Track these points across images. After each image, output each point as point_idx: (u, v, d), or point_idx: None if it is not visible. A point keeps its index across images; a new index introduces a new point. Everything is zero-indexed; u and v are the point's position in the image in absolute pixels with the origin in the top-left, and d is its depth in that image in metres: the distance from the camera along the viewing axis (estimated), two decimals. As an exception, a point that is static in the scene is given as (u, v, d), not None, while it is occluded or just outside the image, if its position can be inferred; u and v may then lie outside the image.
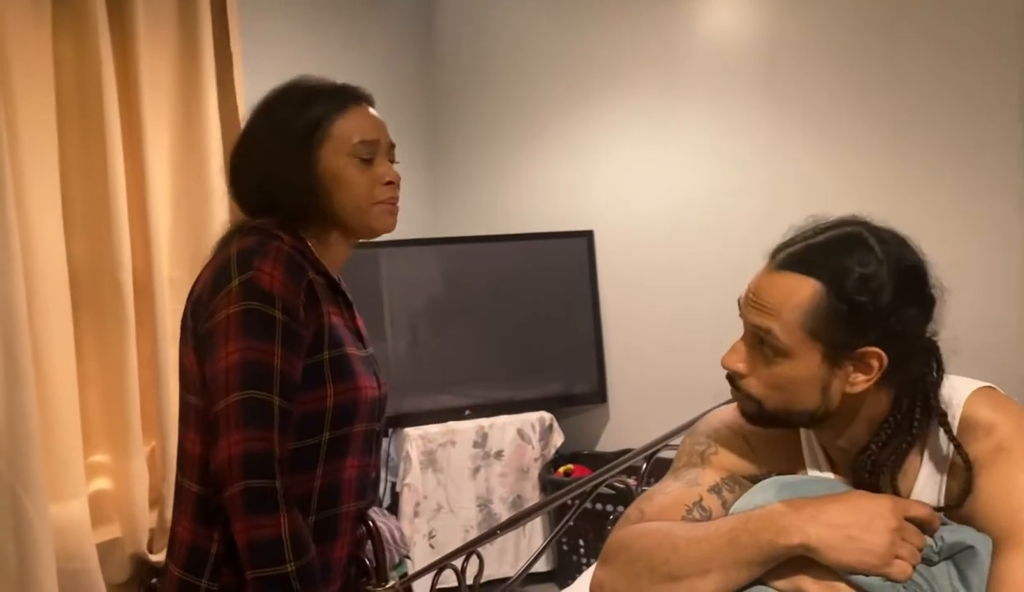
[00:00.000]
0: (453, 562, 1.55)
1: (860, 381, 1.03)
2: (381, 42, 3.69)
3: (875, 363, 1.01)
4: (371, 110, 1.38)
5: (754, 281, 1.07)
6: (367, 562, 1.33)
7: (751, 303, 1.06)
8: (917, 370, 1.04)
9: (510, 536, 3.26)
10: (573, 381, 3.56)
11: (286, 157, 1.29)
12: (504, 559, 3.21)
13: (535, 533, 3.26)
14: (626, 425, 3.54)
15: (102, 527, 2.37)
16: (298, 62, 3.25)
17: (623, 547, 1.07)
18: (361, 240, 1.41)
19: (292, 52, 3.20)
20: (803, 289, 1.01)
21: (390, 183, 1.35)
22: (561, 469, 3.39)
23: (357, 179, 1.32)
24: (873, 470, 1.05)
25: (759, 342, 1.05)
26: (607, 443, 3.60)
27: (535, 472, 3.32)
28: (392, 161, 1.38)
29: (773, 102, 3.14)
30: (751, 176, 3.20)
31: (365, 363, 1.35)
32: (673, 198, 3.38)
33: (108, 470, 2.42)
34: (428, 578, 1.54)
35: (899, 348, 1.01)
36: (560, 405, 3.53)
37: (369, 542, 1.35)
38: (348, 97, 1.35)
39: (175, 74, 2.58)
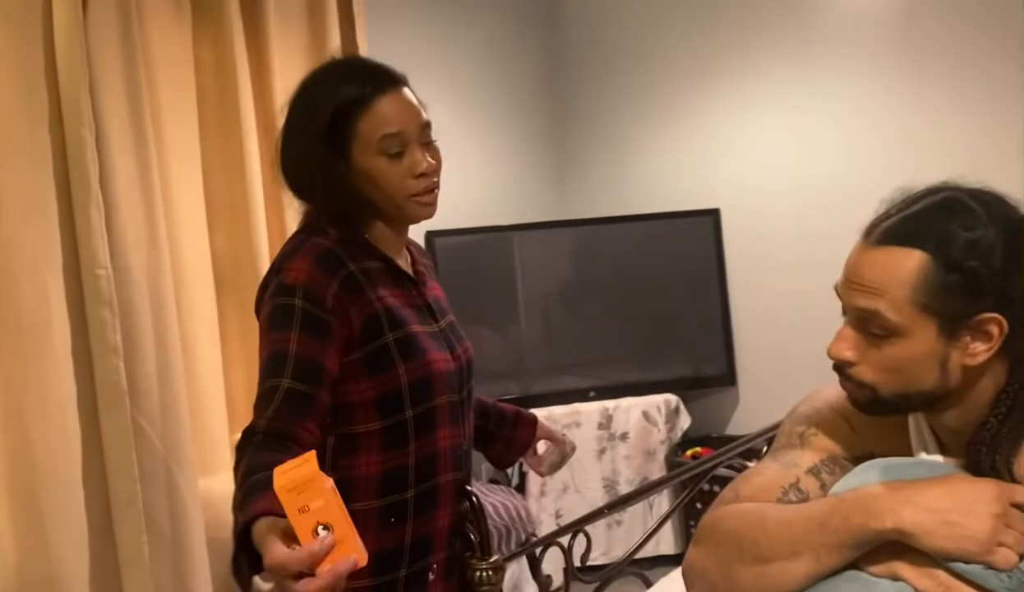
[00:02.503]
0: (559, 539, 1.57)
1: (980, 351, 0.97)
2: (505, 32, 3.74)
3: (995, 329, 0.95)
4: (398, 94, 1.32)
5: (851, 262, 1.02)
6: (471, 537, 1.37)
7: (852, 286, 1.01)
8: None
9: (638, 519, 3.26)
10: (701, 363, 3.51)
11: (319, 162, 1.29)
12: (631, 542, 3.21)
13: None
14: (757, 408, 3.46)
15: (247, 500, 2.54)
16: (423, 54, 3.36)
17: (713, 528, 1.06)
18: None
19: (417, 45, 3.30)
20: (908, 262, 0.96)
21: (423, 174, 1.31)
22: (689, 452, 3.35)
23: (388, 175, 1.30)
24: (992, 445, 0.99)
25: (866, 325, 1.01)
26: (737, 426, 3.53)
27: (661, 455, 3.30)
28: (427, 143, 1.34)
29: (911, 70, 2.97)
30: (886, 149, 3.04)
31: (436, 338, 1.38)
32: (802, 174, 3.26)
33: (252, 447, 2.58)
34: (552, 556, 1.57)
35: (1016, 312, 0.95)
36: (687, 387, 3.49)
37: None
38: (372, 89, 1.30)
39: (305, 72, 2.69)
